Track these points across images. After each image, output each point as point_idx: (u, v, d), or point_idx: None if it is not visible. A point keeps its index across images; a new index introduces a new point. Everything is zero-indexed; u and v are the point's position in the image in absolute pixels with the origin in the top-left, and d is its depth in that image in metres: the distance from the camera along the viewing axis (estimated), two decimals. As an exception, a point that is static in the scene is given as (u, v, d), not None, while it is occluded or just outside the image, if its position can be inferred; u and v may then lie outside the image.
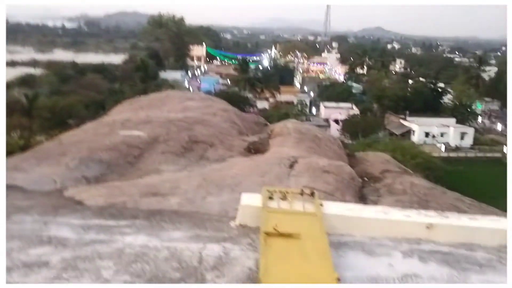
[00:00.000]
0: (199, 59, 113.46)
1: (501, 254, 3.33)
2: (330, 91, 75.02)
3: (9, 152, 6.18)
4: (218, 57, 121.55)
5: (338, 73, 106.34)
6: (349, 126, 55.90)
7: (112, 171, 5.42)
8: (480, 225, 3.57)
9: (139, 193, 4.33)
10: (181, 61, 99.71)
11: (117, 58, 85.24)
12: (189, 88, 70.02)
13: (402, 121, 61.13)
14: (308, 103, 73.02)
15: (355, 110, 63.98)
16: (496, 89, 73.46)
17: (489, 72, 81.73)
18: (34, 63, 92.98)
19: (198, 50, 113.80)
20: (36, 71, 79.35)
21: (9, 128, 32.72)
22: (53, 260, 2.89)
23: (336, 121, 60.44)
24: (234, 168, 5.73)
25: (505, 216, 4.85)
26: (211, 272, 2.79)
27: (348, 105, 66.60)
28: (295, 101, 71.28)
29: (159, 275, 2.72)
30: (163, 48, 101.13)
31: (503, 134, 64.95)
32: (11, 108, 37.70)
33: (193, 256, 2.97)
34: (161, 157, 5.85)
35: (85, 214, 3.72)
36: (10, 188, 4.33)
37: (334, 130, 56.06)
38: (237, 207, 3.68)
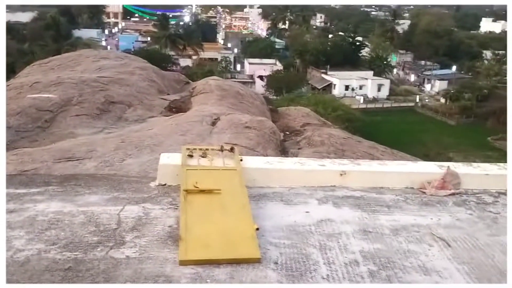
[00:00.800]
0: (115, 15, 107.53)
1: (407, 195, 3.60)
2: (254, 47, 74.85)
3: None
4: (136, 13, 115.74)
5: (261, 28, 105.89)
6: (273, 82, 56.45)
7: (21, 137, 5.10)
8: (389, 169, 3.83)
9: (52, 159, 4.13)
10: (96, 18, 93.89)
11: (24, 16, 78.09)
12: (106, 47, 66.46)
13: (323, 75, 62.75)
14: (232, 60, 72.38)
15: (279, 66, 64.49)
16: (409, 41, 77.12)
17: (403, 25, 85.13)
18: None
19: (114, 6, 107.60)
20: None
21: None
22: (-43, 234, 2.71)
23: (261, 77, 60.73)
24: (154, 128, 5.61)
25: (412, 160, 5.21)
26: (131, 233, 2.76)
27: (272, 61, 66.94)
28: (219, 58, 70.34)
29: (76, 241, 2.65)
30: (74, 4, 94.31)
31: (416, 84, 69.05)
32: None
33: (111, 219, 2.91)
34: (75, 120, 5.59)
35: (-8, 184, 3.50)
36: None
37: (259, 86, 56.44)
38: (157, 167, 3.64)
